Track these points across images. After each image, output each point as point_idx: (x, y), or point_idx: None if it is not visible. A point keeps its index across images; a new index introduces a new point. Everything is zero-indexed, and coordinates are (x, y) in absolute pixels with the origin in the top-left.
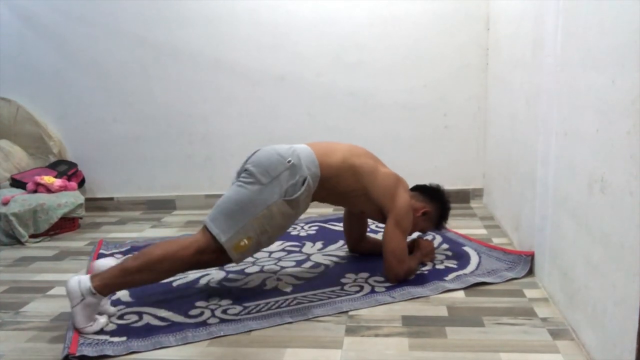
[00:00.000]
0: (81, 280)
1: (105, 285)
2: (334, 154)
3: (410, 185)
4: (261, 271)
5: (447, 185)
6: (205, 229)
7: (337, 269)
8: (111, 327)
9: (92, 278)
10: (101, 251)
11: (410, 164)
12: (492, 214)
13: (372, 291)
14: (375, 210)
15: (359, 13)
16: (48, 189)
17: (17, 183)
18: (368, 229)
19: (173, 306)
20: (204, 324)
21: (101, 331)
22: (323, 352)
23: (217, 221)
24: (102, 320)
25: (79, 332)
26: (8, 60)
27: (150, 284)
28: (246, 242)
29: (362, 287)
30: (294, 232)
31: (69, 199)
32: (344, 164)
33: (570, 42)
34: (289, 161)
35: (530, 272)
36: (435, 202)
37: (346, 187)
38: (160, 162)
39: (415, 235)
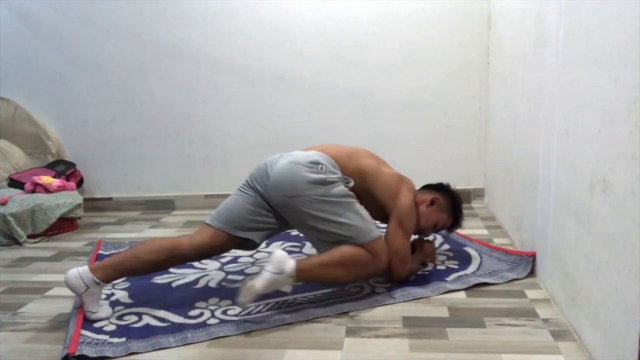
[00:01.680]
0: (81, 272)
1: (106, 275)
2: (342, 156)
3: (417, 186)
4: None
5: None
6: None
7: None
8: (111, 327)
9: (93, 269)
10: (100, 252)
11: (411, 163)
12: (493, 214)
13: (373, 292)
14: (379, 211)
15: (359, 12)
16: (46, 189)
17: (15, 183)
18: None
19: (172, 307)
20: (203, 324)
21: (101, 331)
22: (323, 353)
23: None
24: (107, 307)
25: (86, 317)
26: (6, 59)
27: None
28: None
29: (362, 288)
30: (294, 233)
31: (68, 199)
32: (350, 165)
33: (572, 41)
34: (322, 167)
35: (532, 273)
36: (443, 192)
37: (351, 188)
38: (159, 162)
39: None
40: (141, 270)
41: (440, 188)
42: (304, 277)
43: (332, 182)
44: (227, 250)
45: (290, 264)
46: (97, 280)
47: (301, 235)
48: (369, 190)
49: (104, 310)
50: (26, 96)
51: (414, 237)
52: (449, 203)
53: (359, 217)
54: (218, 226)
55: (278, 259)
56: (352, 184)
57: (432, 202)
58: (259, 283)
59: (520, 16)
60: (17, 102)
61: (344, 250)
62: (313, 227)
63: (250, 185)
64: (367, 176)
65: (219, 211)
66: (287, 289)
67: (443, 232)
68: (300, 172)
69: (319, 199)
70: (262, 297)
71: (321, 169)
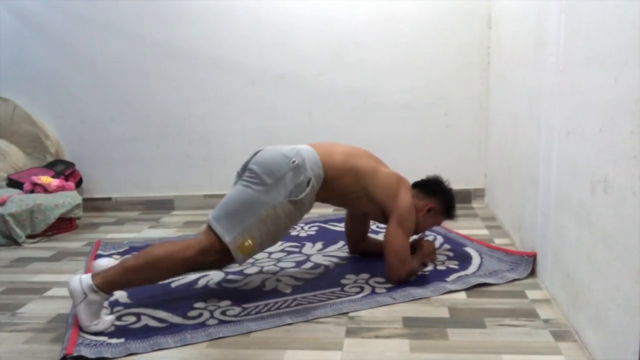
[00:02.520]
0: (82, 279)
1: (107, 283)
2: (336, 155)
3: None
4: (260, 272)
5: (448, 185)
6: (210, 228)
7: (338, 270)
8: (109, 328)
9: (94, 276)
10: (99, 252)
11: (411, 163)
12: (493, 214)
13: (373, 292)
14: (377, 211)
15: (360, 11)
16: (45, 189)
17: (13, 183)
18: (369, 230)
19: (171, 307)
20: (202, 325)
21: (100, 332)
22: (323, 354)
23: (221, 221)
24: (107, 318)
25: (83, 330)
26: (5, 59)
27: (151, 284)
28: (250, 242)
29: (362, 288)
30: (294, 233)
31: (67, 199)
32: (345, 165)
33: (573, 41)
34: (294, 161)
35: (533, 273)
36: (437, 195)
37: (347, 188)
38: (159, 161)
39: (416, 235)
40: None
41: (434, 190)
42: (113, 287)
43: (282, 176)
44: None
45: (85, 280)
46: (96, 289)
47: (301, 235)
48: (367, 191)
49: (105, 322)
50: (25, 96)
51: (418, 235)
52: (443, 205)
53: (244, 217)
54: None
55: (73, 289)
56: (311, 188)
57: (429, 210)
58: (81, 318)
59: (521, 16)
60: (16, 101)
61: (151, 254)
62: (232, 192)
63: (239, 174)
64: (363, 176)
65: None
66: (103, 301)
67: (443, 232)
68: (278, 153)
69: (262, 179)
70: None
71: (293, 162)
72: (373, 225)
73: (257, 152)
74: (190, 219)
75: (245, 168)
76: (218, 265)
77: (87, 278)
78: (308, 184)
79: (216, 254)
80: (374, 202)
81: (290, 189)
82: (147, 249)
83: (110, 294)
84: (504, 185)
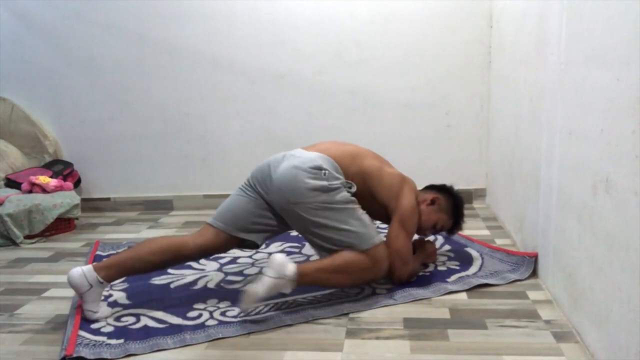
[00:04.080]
0: (85, 271)
1: (110, 275)
2: (344, 158)
3: (419, 186)
4: (260, 273)
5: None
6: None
7: None
8: (108, 329)
9: (97, 269)
10: (98, 252)
11: (412, 163)
12: (495, 214)
13: (373, 293)
14: (381, 211)
15: (360, 10)
16: (43, 189)
17: (11, 183)
18: None
19: (171, 308)
20: (202, 326)
21: (99, 332)
22: (323, 355)
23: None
24: (106, 308)
25: (85, 318)
26: (3, 58)
27: (148, 281)
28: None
29: (363, 289)
30: (294, 233)
31: (65, 200)
32: (352, 167)
33: (575, 40)
34: (325, 173)
35: (534, 274)
36: (445, 193)
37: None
38: (158, 161)
39: (417, 236)
40: (144, 270)
41: (443, 189)
42: (305, 281)
43: (335, 189)
44: (228, 249)
45: (290, 267)
46: (101, 280)
47: (301, 236)
48: (371, 191)
49: (104, 310)
50: (23, 95)
51: (419, 236)
52: (451, 204)
53: (361, 224)
54: (220, 227)
55: (278, 263)
56: (354, 189)
57: (432, 202)
58: (260, 288)
59: (522, 15)
60: (14, 101)
61: (345, 257)
62: (315, 233)
63: (252, 186)
64: (369, 177)
65: (220, 211)
66: (287, 290)
67: (443, 234)
68: (302, 178)
69: (321, 205)
70: (263, 300)
71: (324, 174)
72: None
73: (278, 180)
74: (190, 219)
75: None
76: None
77: (90, 270)
78: (349, 187)
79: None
80: (378, 203)
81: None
82: (152, 240)
83: (112, 281)
84: (505, 185)
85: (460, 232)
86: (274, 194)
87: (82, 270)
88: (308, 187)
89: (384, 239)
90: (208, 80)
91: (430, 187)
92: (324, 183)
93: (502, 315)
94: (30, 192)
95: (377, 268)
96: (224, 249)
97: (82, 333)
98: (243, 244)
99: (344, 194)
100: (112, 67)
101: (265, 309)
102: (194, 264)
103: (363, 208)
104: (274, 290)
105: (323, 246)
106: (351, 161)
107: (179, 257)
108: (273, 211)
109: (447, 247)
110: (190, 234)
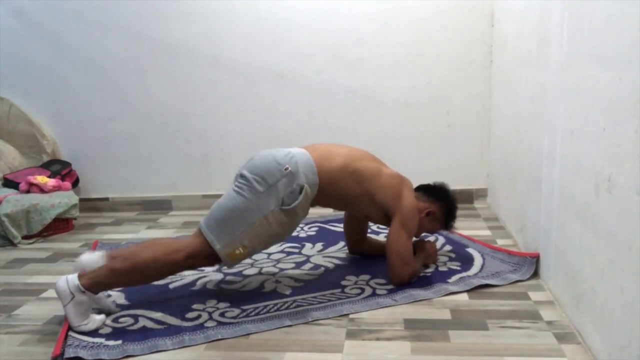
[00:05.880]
0: (69, 279)
1: (94, 284)
2: (334, 158)
3: (414, 185)
4: (260, 273)
5: (450, 185)
6: (200, 233)
7: (338, 271)
8: (106, 330)
9: (80, 276)
10: None
11: (412, 163)
12: (496, 214)
13: (374, 294)
14: (380, 213)
15: (360, 9)
16: (41, 189)
17: (9, 183)
18: (369, 230)
19: (169, 309)
20: (201, 327)
21: (96, 333)
22: (323, 356)
23: (211, 228)
24: (97, 318)
25: (74, 330)
26: (0, 56)
27: (143, 285)
28: (241, 250)
29: (363, 290)
30: (294, 233)
31: (63, 200)
32: (344, 169)
33: (577, 39)
34: (286, 169)
35: (535, 274)
36: (440, 202)
37: (349, 193)
38: (157, 161)
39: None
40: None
41: (438, 196)
42: (99, 288)
43: (276, 183)
44: None
45: (72, 280)
46: (83, 289)
47: (301, 236)
48: (369, 193)
49: (95, 320)
50: (21, 94)
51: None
52: (444, 213)
53: (247, 226)
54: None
55: (61, 290)
56: (304, 192)
57: (427, 214)
58: (70, 321)
59: (524, 13)
60: (12, 100)
61: (144, 257)
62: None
63: (236, 178)
64: (366, 179)
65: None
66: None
67: (444, 233)
68: (273, 157)
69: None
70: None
71: (285, 169)
72: (373, 226)
73: (251, 158)
74: (189, 220)
75: (239, 173)
76: (207, 266)
77: (73, 278)
78: (301, 192)
79: (205, 258)
80: (376, 205)
81: (282, 197)
82: (135, 249)
83: (97, 293)
84: (506, 185)
85: (461, 232)
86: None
87: (66, 278)
88: (272, 165)
89: (381, 235)
90: (207, 79)
91: (425, 190)
92: (284, 172)
93: (503, 316)
94: (28, 192)
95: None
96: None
97: (80, 335)
98: None
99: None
100: (110, 67)
101: (265, 310)
102: None
103: (361, 211)
104: (83, 308)
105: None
106: (344, 161)
107: (175, 271)
108: None
109: (448, 247)
110: (183, 241)
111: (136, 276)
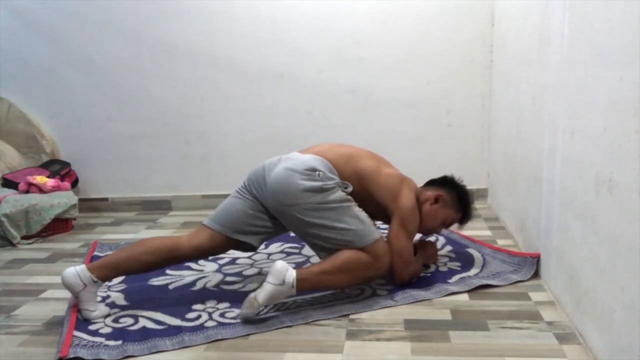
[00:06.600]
0: (79, 270)
1: (105, 274)
2: (340, 160)
3: (419, 185)
4: (260, 273)
5: None
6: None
7: None
8: (106, 330)
9: (91, 268)
10: (95, 253)
11: (413, 163)
12: (496, 214)
13: (374, 294)
14: (381, 212)
15: (360, 8)
16: (40, 189)
17: (8, 183)
18: None
19: (169, 309)
20: (201, 327)
21: (97, 333)
22: (323, 357)
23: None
24: (103, 307)
25: (83, 318)
26: (0, 56)
27: (146, 282)
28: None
29: (363, 290)
30: (294, 233)
31: (62, 200)
32: (347, 168)
33: (578, 39)
34: (318, 174)
35: (536, 275)
36: (447, 186)
37: (352, 192)
38: (156, 161)
39: (419, 236)
40: (138, 270)
41: (444, 182)
42: (305, 286)
43: (330, 189)
44: (225, 251)
45: (290, 273)
46: (95, 279)
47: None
48: (369, 192)
49: (102, 309)
50: (20, 94)
51: (420, 236)
52: (455, 197)
53: (358, 221)
54: (217, 229)
55: (278, 270)
56: (350, 188)
57: (436, 200)
58: (260, 295)
59: (525, 13)
60: (11, 100)
61: (345, 256)
62: (312, 233)
63: (248, 189)
64: (366, 178)
65: (217, 213)
66: (286, 297)
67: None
68: (295, 179)
69: (316, 206)
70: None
71: (318, 175)
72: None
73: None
74: (188, 220)
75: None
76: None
77: (84, 270)
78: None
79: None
80: (376, 204)
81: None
82: (147, 240)
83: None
84: (507, 185)
85: (461, 233)
86: (268, 196)
87: (76, 270)
88: (301, 189)
89: (383, 234)
90: (207, 79)
91: (431, 183)
92: (318, 184)
93: (504, 317)
94: (27, 192)
95: (378, 264)
96: (221, 250)
97: (80, 334)
98: (240, 247)
99: (339, 194)
100: (110, 66)
101: (265, 311)
102: (192, 265)
103: (365, 210)
104: (275, 297)
105: (322, 246)
106: (346, 162)
107: (173, 257)
108: (269, 213)
109: (448, 247)
110: (186, 235)
111: (146, 258)
